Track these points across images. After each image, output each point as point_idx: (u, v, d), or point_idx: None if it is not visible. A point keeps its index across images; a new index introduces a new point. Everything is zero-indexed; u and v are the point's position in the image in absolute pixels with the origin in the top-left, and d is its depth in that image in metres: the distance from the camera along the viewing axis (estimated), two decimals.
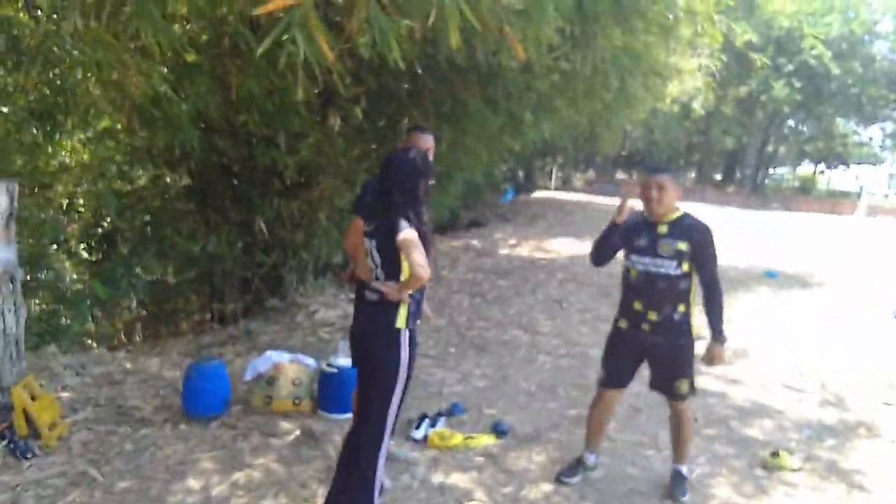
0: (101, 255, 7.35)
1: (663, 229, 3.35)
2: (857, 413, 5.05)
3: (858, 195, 33.28)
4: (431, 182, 3.03)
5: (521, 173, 28.81)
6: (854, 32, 30.12)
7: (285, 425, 4.20)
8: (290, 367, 4.50)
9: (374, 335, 2.95)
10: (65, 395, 4.49)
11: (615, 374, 3.61)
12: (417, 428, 4.16)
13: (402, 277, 2.86)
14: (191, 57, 5.11)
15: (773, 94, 29.85)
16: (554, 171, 35.78)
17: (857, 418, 4.94)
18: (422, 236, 2.81)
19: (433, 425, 4.22)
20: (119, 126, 5.86)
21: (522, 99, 6.91)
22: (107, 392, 4.58)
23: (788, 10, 28.32)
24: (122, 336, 7.45)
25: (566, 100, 7.75)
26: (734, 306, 8.47)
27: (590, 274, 10.46)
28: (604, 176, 40.83)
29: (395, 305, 2.89)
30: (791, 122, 37.02)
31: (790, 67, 29.55)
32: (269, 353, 4.74)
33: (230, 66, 5.03)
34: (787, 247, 14.42)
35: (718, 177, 39.86)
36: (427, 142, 3.63)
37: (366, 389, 3.00)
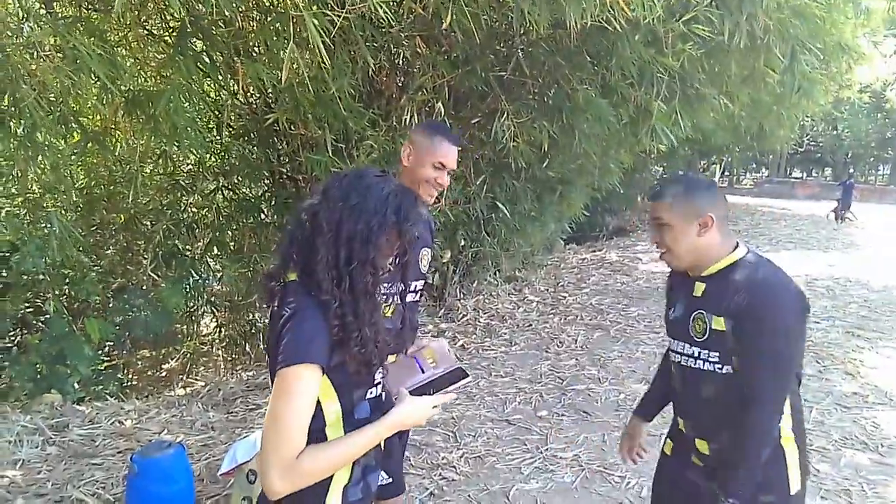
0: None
1: (700, 289, 1.86)
2: None
3: None
4: (418, 243, 1.51)
5: (680, 174, 26.52)
6: None
7: None
8: None
9: None
10: (9, 473, 3.50)
11: None
12: None
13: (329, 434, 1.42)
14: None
15: None
16: (718, 171, 32.90)
17: None
18: (362, 356, 1.40)
19: None
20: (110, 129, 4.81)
21: (650, 83, 5.23)
22: (60, 473, 3.53)
23: None
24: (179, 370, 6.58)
25: (715, 83, 5.99)
26: None
27: None
28: (776, 175, 37.11)
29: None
30: None
31: None
32: (257, 433, 3.42)
33: (231, 46, 3.86)
34: None
35: None
36: (442, 154, 2.07)
37: None
